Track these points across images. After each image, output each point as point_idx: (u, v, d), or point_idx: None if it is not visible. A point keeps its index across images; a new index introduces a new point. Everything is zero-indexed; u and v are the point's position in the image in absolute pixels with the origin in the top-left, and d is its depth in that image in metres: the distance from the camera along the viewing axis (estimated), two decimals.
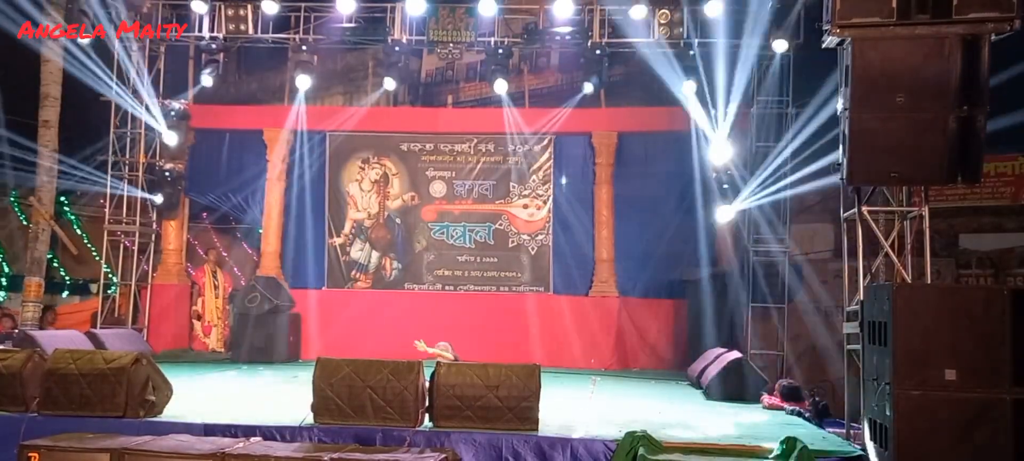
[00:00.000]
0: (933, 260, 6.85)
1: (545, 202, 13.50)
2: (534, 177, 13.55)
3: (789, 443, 5.94)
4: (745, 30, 12.04)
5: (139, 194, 13.04)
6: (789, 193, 11.55)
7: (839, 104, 6.95)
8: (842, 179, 7.00)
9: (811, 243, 12.37)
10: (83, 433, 6.07)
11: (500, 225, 13.56)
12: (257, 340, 12.12)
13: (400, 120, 14.13)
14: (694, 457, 5.91)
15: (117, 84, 12.64)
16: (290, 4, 12.46)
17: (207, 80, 12.79)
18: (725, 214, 12.13)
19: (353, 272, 13.76)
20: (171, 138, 12.94)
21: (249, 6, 12.37)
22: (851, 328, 6.92)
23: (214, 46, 12.69)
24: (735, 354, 9.67)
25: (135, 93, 12.92)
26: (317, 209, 13.82)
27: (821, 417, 8.04)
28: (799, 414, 7.91)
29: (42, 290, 12.47)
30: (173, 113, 13.02)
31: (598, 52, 12.10)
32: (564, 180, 13.51)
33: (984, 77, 6.22)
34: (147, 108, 12.79)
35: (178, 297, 13.72)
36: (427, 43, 12.64)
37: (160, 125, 12.84)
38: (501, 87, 12.64)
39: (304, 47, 12.65)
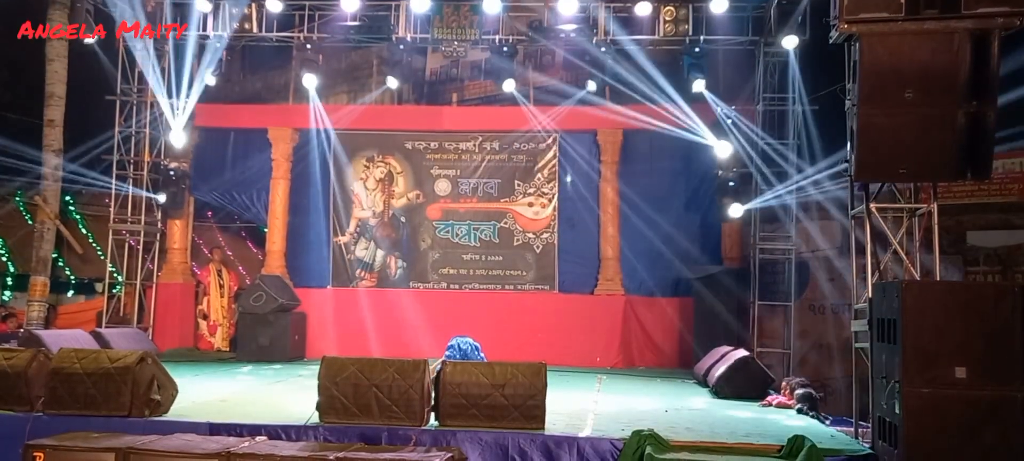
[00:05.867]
0: (941, 257, 6.79)
1: (550, 200, 13.47)
2: (539, 175, 13.51)
3: (797, 441, 5.91)
4: (750, 27, 12.03)
5: (144, 193, 13.04)
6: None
7: (847, 100, 6.90)
8: (850, 176, 6.96)
9: (818, 240, 12.32)
10: (88, 432, 6.07)
11: (505, 223, 13.53)
12: (262, 339, 12.12)
13: (405, 118, 14.11)
14: (701, 455, 5.88)
15: (123, 85, 12.69)
16: (294, 3, 12.43)
17: (210, 78, 12.78)
18: (731, 211, 12.10)
19: (358, 271, 13.74)
20: (178, 138, 12.93)
21: (253, 5, 12.34)
22: (859, 326, 6.88)
23: (218, 45, 12.67)
24: (742, 352, 9.65)
25: (141, 91, 12.96)
26: (322, 208, 13.80)
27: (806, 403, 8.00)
28: (806, 412, 7.87)
29: (47, 289, 12.48)
30: (177, 112, 13.02)
31: (603, 49, 12.05)
32: (569, 178, 13.47)
33: (993, 73, 6.16)
34: (152, 105, 12.84)
35: (183, 296, 13.72)
36: (431, 41, 12.59)
37: (170, 119, 12.83)
38: (509, 85, 12.59)
39: (308, 45, 12.62)
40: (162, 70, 13.05)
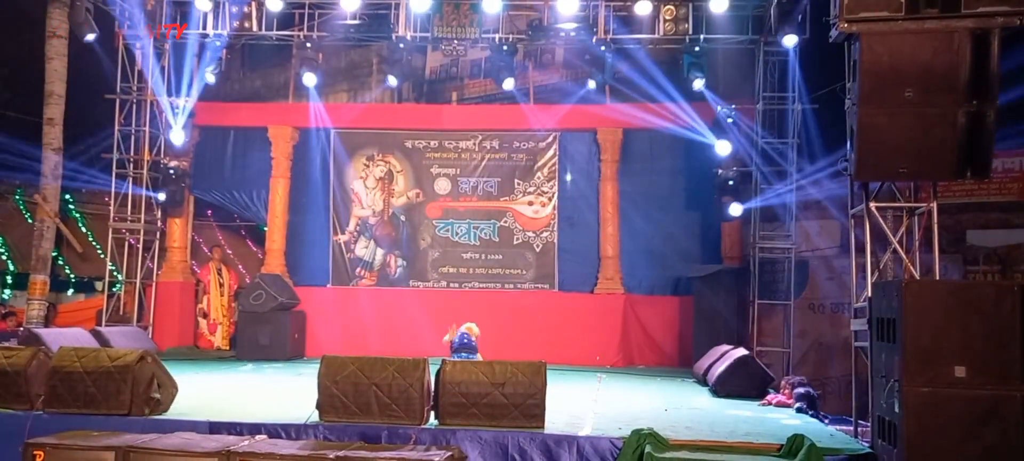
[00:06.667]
0: (940, 256, 6.78)
1: (550, 199, 13.47)
2: (539, 174, 13.51)
3: (796, 440, 5.91)
4: (751, 26, 12.03)
5: (144, 192, 13.04)
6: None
7: (847, 99, 6.90)
8: (850, 174, 6.96)
9: (817, 239, 12.32)
10: (88, 431, 6.08)
11: (505, 222, 13.53)
12: (262, 338, 12.13)
13: (405, 117, 14.11)
14: (701, 455, 5.88)
15: (123, 84, 12.70)
16: (294, 1, 12.42)
17: (210, 77, 12.80)
18: (731, 210, 12.11)
19: (358, 269, 13.74)
20: (178, 137, 12.93)
21: (253, 3, 12.33)
22: (859, 325, 6.88)
23: (218, 44, 12.66)
24: (741, 351, 9.64)
25: (140, 89, 12.97)
26: (321, 206, 13.81)
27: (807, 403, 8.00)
28: (805, 411, 7.87)
29: (47, 288, 12.47)
30: (177, 110, 13.03)
31: (603, 48, 12.06)
32: (569, 177, 13.48)
33: (993, 71, 6.15)
34: (152, 104, 12.84)
35: (183, 295, 13.72)
36: (431, 39, 12.59)
37: (170, 117, 12.83)
38: (509, 84, 12.60)
39: (308, 44, 12.61)
40: (162, 68, 13.06)
